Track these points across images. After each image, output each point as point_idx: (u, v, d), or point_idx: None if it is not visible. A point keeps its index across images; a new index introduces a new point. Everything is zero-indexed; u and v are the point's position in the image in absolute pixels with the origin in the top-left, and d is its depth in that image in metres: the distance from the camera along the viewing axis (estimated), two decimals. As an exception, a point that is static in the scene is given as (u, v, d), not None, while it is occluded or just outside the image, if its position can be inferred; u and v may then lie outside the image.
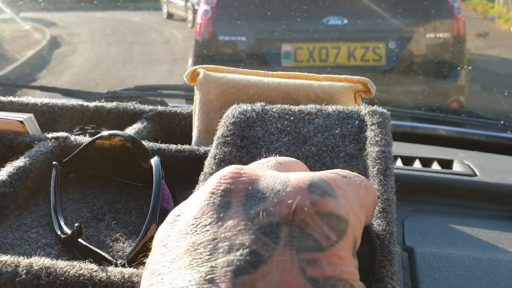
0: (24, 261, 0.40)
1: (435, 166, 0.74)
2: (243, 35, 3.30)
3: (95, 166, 0.58)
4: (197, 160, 0.57)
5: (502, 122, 0.94)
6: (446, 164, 0.74)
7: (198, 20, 3.34)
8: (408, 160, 0.74)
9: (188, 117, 0.70)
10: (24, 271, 0.39)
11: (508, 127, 0.93)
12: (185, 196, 0.51)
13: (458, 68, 3.26)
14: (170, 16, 7.16)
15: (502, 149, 0.88)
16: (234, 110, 0.55)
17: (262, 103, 0.56)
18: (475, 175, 0.69)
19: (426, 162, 0.74)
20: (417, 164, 0.73)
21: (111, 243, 0.47)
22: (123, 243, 0.47)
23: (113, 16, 7.44)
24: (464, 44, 3.37)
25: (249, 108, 0.55)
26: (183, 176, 0.57)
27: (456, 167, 0.73)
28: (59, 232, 0.48)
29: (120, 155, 0.57)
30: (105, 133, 0.55)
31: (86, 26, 6.56)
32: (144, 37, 6.16)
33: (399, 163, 0.73)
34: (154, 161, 0.48)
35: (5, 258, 0.40)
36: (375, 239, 0.37)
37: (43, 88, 1.16)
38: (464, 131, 0.95)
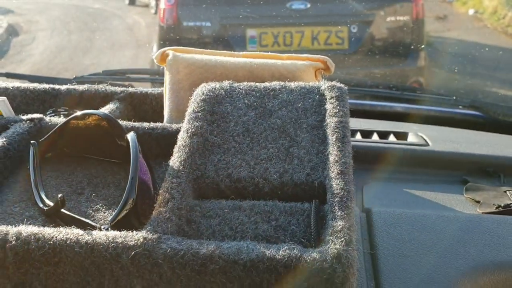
0: (12, 229, 0.42)
1: (392, 138, 0.80)
2: (208, 20, 3.29)
3: (71, 145, 0.61)
4: (170, 136, 0.61)
5: (454, 98, 1.01)
6: (402, 136, 0.80)
7: (162, 5, 3.31)
8: (366, 134, 0.79)
9: (159, 97, 0.73)
10: (14, 237, 0.41)
11: (460, 102, 1.00)
12: (160, 169, 0.55)
13: (418, 50, 3.36)
14: (132, 2, 7.03)
15: (454, 123, 0.95)
16: (203, 88, 0.59)
17: (229, 81, 0.59)
18: (428, 145, 0.75)
19: (383, 135, 0.80)
20: (375, 137, 0.79)
21: (93, 213, 0.50)
22: (104, 212, 0.50)
23: (73, 2, 7.25)
24: (423, 27, 3.47)
25: (217, 86, 0.59)
26: (157, 152, 0.60)
27: (411, 138, 0.79)
28: (41, 205, 0.51)
29: (94, 134, 0.60)
30: (80, 112, 0.58)
31: (44, 13, 6.37)
32: (106, 24, 6.03)
33: (358, 136, 0.78)
34: (130, 136, 0.51)
35: None
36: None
37: (9, 75, 1.15)
38: (419, 107, 1.01)
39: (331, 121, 0.52)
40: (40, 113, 0.68)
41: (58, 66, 4.02)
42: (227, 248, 0.40)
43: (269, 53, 0.65)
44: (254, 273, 0.39)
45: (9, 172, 0.57)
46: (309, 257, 0.39)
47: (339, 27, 3.16)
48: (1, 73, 1.18)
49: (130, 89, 0.74)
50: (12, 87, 0.74)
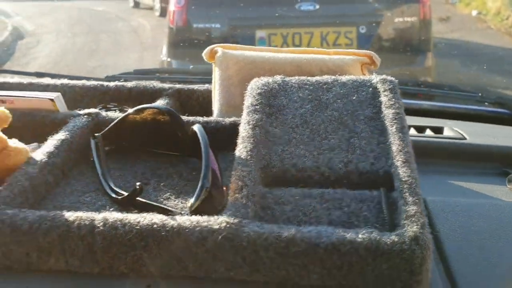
0: (98, 215, 0.44)
1: (428, 132, 0.81)
2: (217, 22, 3.31)
3: (129, 139, 0.63)
4: (223, 130, 0.63)
5: (479, 94, 1.03)
6: (438, 130, 0.82)
7: (172, 7, 3.33)
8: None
9: (205, 93, 0.75)
10: (101, 223, 0.43)
11: (485, 99, 1.02)
12: (220, 161, 0.57)
13: (425, 50, 3.38)
14: (136, 4, 7.06)
15: (482, 119, 0.97)
16: (257, 82, 0.61)
17: (281, 76, 0.61)
18: (465, 138, 0.77)
19: (420, 129, 0.82)
20: (412, 131, 0.81)
21: (163, 201, 0.52)
22: (174, 201, 0.52)
23: (77, 5, 7.28)
24: (430, 27, 3.49)
25: (270, 80, 0.61)
26: (212, 144, 0.62)
27: (447, 132, 0.81)
28: (113, 195, 0.53)
29: (152, 128, 0.62)
30: (140, 106, 0.60)
31: (49, 16, 6.40)
32: (111, 27, 6.05)
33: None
34: (198, 127, 0.53)
35: (80, 214, 0.45)
36: None
37: (38, 74, 1.17)
38: (446, 105, 1.03)
39: (388, 113, 0.54)
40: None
41: (64, 69, 4.04)
42: (308, 232, 0.42)
43: (315, 48, 0.68)
44: (335, 255, 0.41)
45: (73, 164, 0.59)
46: (388, 240, 0.41)
47: (348, 28, 3.18)
48: (30, 72, 1.19)
49: (177, 85, 0.76)
50: (61, 84, 0.76)
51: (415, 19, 3.41)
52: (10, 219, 0.44)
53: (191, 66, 1.24)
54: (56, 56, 4.69)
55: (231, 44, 0.71)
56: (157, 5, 6.13)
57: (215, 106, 0.69)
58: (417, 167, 0.67)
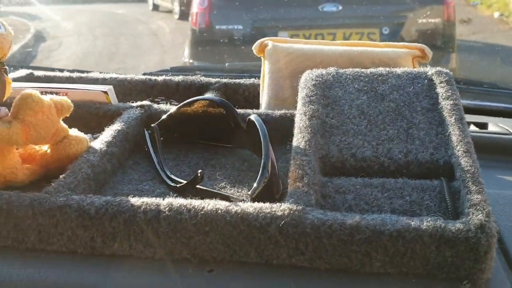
0: (163, 201, 0.45)
1: (472, 127, 0.81)
2: (240, 24, 3.32)
3: (181, 130, 0.63)
4: (274, 122, 0.63)
5: (520, 92, 1.01)
6: (482, 126, 0.81)
7: (194, 9, 3.36)
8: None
9: (251, 87, 0.76)
10: (167, 208, 0.44)
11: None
12: (274, 151, 0.57)
13: (449, 52, 3.34)
14: (155, 7, 7.13)
15: None
16: (311, 74, 0.61)
17: (334, 67, 0.62)
18: (510, 134, 0.76)
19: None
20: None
21: (221, 190, 0.52)
22: (230, 190, 0.53)
23: (97, 9, 7.36)
24: (454, 29, 3.45)
25: (324, 72, 0.61)
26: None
27: (492, 128, 0.80)
28: (171, 183, 0.53)
29: (203, 119, 0.62)
30: (195, 98, 0.60)
31: (70, 19, 6.48)
32: (131, 30, 6.11)
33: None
34: (255, 117, 0.53)
35: (145, 199, 0.45)
36: None
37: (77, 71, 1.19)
38: (484, 103, 1.02)
39: (446, 104, 0.54)
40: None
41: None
42: (372, 220, 0.42)
43: (365, 41, 0.68)
44: (400, 242, 0.41)
45: (128, 154, 0.60)
46: (453, 227, 0.40)
47: (371, 29, 3.16)
48: (68, 69, 1.21)
49: (224, 79, 0.76)
50: (110, 78, 0.77)
51: (439, 20, 3.38)
52: (77, 204, 0.45)
53: (227, 64, 1.24)
54: (76, 58, 4.75)
55: (281, 38, 0.71)
56: (176, 8, 6.18)
57: (263, 99, 0.70)
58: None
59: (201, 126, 0.63)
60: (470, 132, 0.78)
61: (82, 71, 0.79)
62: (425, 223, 0.41)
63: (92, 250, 0.46)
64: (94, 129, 0.63)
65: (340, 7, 3.24)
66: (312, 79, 0.59)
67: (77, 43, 5.25)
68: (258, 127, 0.51)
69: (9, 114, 0.51)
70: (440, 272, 0.41)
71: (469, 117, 0.87)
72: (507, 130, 0.78)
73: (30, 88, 0.51)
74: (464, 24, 5.40)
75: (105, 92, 0.66)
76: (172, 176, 0.54)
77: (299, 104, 0.57)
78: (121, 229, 0.45)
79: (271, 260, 0.43)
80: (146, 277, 0.44)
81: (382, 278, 0.42)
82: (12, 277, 0.44)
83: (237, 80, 0.76)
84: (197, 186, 0.50)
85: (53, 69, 0.83)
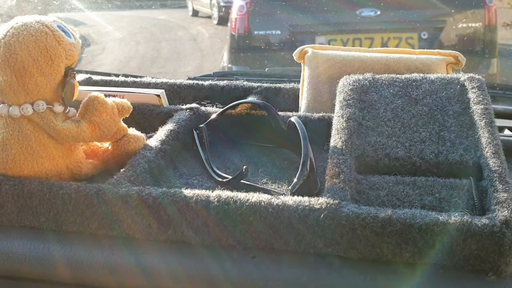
0: (212, 193, 0.50)
1: (507, 132, 0.82)
2: (278, 29, 3.37)
3: (226, 131, 0.69)
4: (312, 124, 0.67)
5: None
6: None
7: (233, 15, 3.43)
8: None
9: (291, 91, 0.80)
10: (216, 199, 0.49)
11: None
12: (312, 152, 0.61)
13: (490, 57, 3.27)
14: (195, 13, 7.29)
15: None
16: (348, 79, 0.65)
17: (371, 73, 0.65)
18: None
19: (499, 129, 0.83)
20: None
21: (263, 185, 0.57)
22: (271, 185, 0.58)
23: (139, 14, 7.58)
24: (496, 33, 3.38)
25: (360, 77, 0.65)
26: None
27: (526, 132, 0.81)
28: (217, 178, 0.58)
29: (246, 121, 0.68)
30: (241, 101, 0.65)
31: (113, 25, 6.69)
32: (171, 35, 6.25)
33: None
34: (295, 119, 0.58)
35: (196, 191, 0.51)
36: None
37: (125, 75, 1.26)
38: None
39: (477, 108, 0.57)
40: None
41: (127, 75, 4.19)
42: (403, 214, 0.45)
43: (400, 48, 0.71)
44: (428, 235, 0.44)
45: (178, 152, 0.66)
46: (480, 222, 0.44)
47: (409, 33, 3.14)
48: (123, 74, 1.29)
49: (265, 84, 0.81)
50: (161, 82, 0.83)
51: (479, 24, 3.32)
52: (137, 194, 0.51)
53: (267, 69, 1.29)
54: (119, 63, 4.90)
55: (319, 45, 0.76)
56: (215, 14, 6.30)
57: (303, 102, 0.74)
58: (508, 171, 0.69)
59: (245, 127, 0.68)
60: (506, 136, 0.80)
61: (135, 76, 0.86)
62: (452, 218, 0.44)
63: (148, 236, 0.51)
64: (148, 129, 0.69)
65: (378, 12, 3.23)
66: (350, 84, 0.63)
67: (120, 48, 5.43)
68: (298, 128, 0.56)
69: (77, 114, 0.57)
70: (466, 264, 0.45)
71: (505, 122, 0.89)
72: (542, 135, 0.79)
73: (96, 91, 0.58)
74: (508, 28, 5.26)
75: (158, 95, 0.72)
76: (219, 172, 0.59)
77: (337, 107, 0.61)
78: (174, 217, 0.50)
79: (309, 249, 0.48)
80: (196, 261, 0.49)
81: (412, 269, 0.45)
82: (77, 258, 0.50)
83: (278, 85, 0.81)
84: (242, 180, 0.55)
85: (109, 74, 0.90)
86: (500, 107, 1.05)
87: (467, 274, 0.45)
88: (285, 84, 0.81)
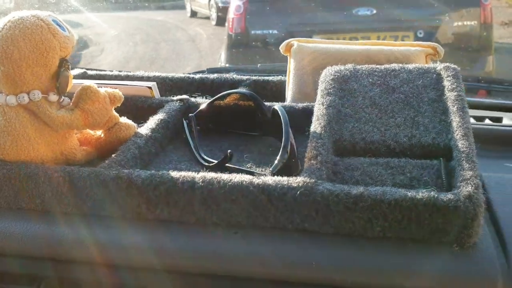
0: (197, 174, 0.53)
1: (487, 121, 0.86)
2: (274, 28, 3.39)
3: (215, 121, 0.72)
4: (296, 113, 0.71)
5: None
6: (496, 120, 0.86)
7: (231, 15, 3.47)
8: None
9: (278, 83, 0.83)
10: (200, 180, 0.52)
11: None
12: (296, 139, 0.65)
13: (486, 55, 3.30)
14: (193, 14, 7.32)
15: None
16: (330, 70, 0.68)
17: (352, 64, 0.69)
18: None
19: (479, 119, 0.86)
20: (472, 121, 0.85)
21: (247, 169, 0.60)
22: (255, 169, 0.61)
23: (137, 15, 7.61)
24: (491, 31, 3.41)
25: (342, 68, 0.68)
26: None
27: (506, 121, 0.84)
28: (204, 163, 0.62)
29: (234, 111, 0.71)
30: (227, 92, 0.69)
31: (112, 26, 6.71)
32: (170, 36, 6.27)
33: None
34: (278, 107, 0.61)
35: (183, 173, 0.54)
36: None
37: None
38: (505, 102, 1.06)
39: (450, 95, 0.60)
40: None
41: (126, 76, 4.21)
42: (374, 190, 0.48)
43: (382, 40, 0.74)
44: (397, 210, 0.47)
45: (169, 140, 0.69)
46: (445, 198, 0.47)
47: (405, 32, 3.17)
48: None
49: (254, 77, 0.84)
50: (153, 76, 0.86)
51: (475, 23, 3.35)
52: (127, 176, 0.54)
53: (259, 65, 1.33)
54: (118, 63, 4.92)
55: (305, 38, 0.79)
56: (214, 15, 6.33)
57: (288, 93, 0.77)
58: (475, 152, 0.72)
59: (232, 117, 0.71)
60: (485, 125, 0.84)
61: (129, 71, 0.89)
62: (420, 194, 0.47)
63: (138, 215, 0.54)
64: (139, 119, 0.72)
65: (374, 11, 3.26)
66: (331, 74, 0.67)
67: (118, 49, 5.46)
68: (280, 115, 0.59)
69: (71, 103, 0.60)
70: (432, 237, 0.48)
71: (486, 113, 0.92)
72: (520, 123, 0.83)
73: (89, 82, 0.61)
74: (506, 27, 5.29)
75: (150, 88, 0.75)
76: (206, 157, 0.63)
77: (318, 96, 0.64)
78: (162, 197, 0.53)
79: (287, 225, 0.51)
80: (182, 239, 0.52)
81: (382, 242, 0.49)
82: (69, 237, 0.53)
83: (266, 77, 0.84)
84: (227, 164, 0.59)
85: (104, 70, 0.93)
86: (482, 99, 1.08)
87: (434, 246, 0.48)
88: (273, 76, 0.84)
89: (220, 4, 6.20)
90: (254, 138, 0.70)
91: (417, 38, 3.17)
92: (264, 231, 0.51)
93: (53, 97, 0.58)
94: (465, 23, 3.38)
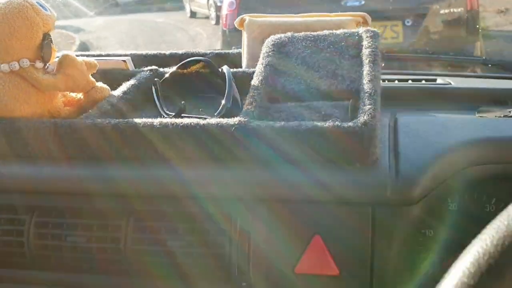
0: (156, 120, 0.66)
1: (423, 82, 0.98)
2: (266, 22, 3.47)
3: (179, 86, 0.85)
4: (248, 77, 0.83)
5: (483, 58, 1.16)
6: (431, 80, 0.98)
7: (224, 11, 3.60)
8: (403, 80, 0.98)
9: (237, 55, 0.96)
10: (158, 123, 0.65)
11: (488, 61, 1.15)
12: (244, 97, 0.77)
13: (473, 41, 3.39)
14: (193, 14, 7.45)
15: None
16: (272, 37, 0.81)
17: (291, 32, 0.81)
18: (451, 84, 0.93)
19: (417, 80, 0.98)
20: (409, 82, 0.97)
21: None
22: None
23: (137, 18, 7.75)
24: (478, 18, 3.49)
25: (282, 35, 0.81)
26: (239, 88, 0.83)
27: (439, 81, 0.96)
28: (165, 115, 0.75)
29: (195, 77, 0.84)
30: (188, 59, 0.82)
31: (112, 29, 6.84)
32: (170, 37, 6.38)
33: (396, 82, 0.98)
34: (225, 67, 0.74)
35: (144, 119, 0.66)
36: None
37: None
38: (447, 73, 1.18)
39: (365, 51, 0.73)
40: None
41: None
42: (292, 124, 0.61)
43: (320, 13, 0.87)
44: (310, 136, 0.60)
45: (139, 103, 0.82)
46: (347, 125, 0.59)
47: (394, 21, 3.27)
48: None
49: (216, 50, 0.97)
50: (130, 53, 1.00)
51: (461, 10, 3.44)
52: (100, 123, 0.67)
53: (233, 47, 1.45)
54: (121, 66, 4.97)
55: (257, 14, 0.92)
56: (213, 14, 6.46)
57: (243, 63, 0.90)
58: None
59: (193, 82, 0.84)
60: (420, 84, 0.96)
61: (109, 52, 1.02)
62: (327, 123, 0.60)
63: (110, 155, 0.67)
64: (115, 88, 0.85)
65: (363, 1, 3.37)
66: (272, 41, 0.79)
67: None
68: (225, 71, 0.72)
69: (54, 69, 0.74)
70: (338, 158, 0.60)
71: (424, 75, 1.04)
72: (449, 82, 0.94)
73: (69, 52, 0.74)
74: (501, 14, 5.37)
75: (124, 61, 0.89)
76: (167, 112, 0.76)
77: (260, 58, 0.77)
78: (129, 139, 0.66)
79: (229, 156, 0.63)
80: (146, 172, 0.65)
81: (301, 164, 0.61)
82: (55, 173, 0.66)
83: (226, 51, 0.97)
84: (183, 115, 0.71)
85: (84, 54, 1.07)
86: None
87: (340, 165, 0.60)
88: (232, 50, 0.97)
89: (218, 3, 6.30)
90: (211, 99, 0.83)
91: (405, 27, 3.27)
92: (208, 162, 0.64)
93: (39, 64, 0.72)
94: (451, 10, 3.47)
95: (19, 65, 0.70)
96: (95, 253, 0.66)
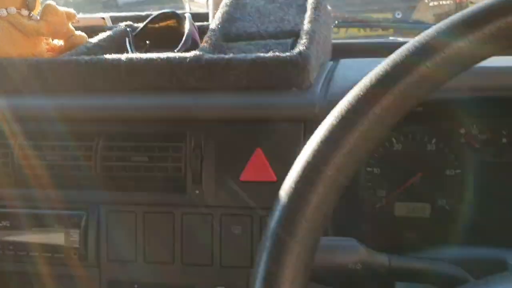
0: (123, 55, 0.76)
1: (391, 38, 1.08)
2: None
3: (151, 39, 0.95)
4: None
5: (434, 24, 1.25)
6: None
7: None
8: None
9: (206, 14, 1.07)
10: (125, 58, 0.75)
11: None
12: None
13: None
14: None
15: None
16: (233, -7, 0.91)
17: (250, -13, 0.92)
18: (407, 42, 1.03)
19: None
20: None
21: None
22: None
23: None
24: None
25: None
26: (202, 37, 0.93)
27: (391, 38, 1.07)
28: (136, 58, 0.85)
29: (166, 30, 0.94)
30: (157, 12, 0.92)
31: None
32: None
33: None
34: (187, 14, 0.84)
35: (116, 55, 0.77)
36: None
37: None
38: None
39: (310, 0, 0.83)
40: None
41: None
42: (239, 55, 0.71)
43: None
44: (254, 67, 0.70)
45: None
46: (285, 55, 0.69)
47: (384, 14, 3.37)
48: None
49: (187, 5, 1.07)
50: (110, 16, 1.10)
51: (450, 2, 3.53)
52: (75, 59, 0.77)
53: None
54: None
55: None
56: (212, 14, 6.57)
57: (210, 17, 1.01)
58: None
59: (165, 35, 0.94)
60: (383, 41, 1.06)
61: None
62: (269, 54, 0.70)
63: (85, 86, 0.77)
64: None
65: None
66: (232, -6, 0.90)
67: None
68: (186, 17, 0.82)
69: (38, 17, 0.84)
70: (279, 83, 0.70)
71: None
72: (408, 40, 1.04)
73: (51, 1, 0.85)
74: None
75: (103, 18, 0.99)
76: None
77: (219, 8, 0.87)
78: (99, 72, 0.76)
79: (186, 85, 0.73)
80: (115, 100, 0.75)
81: (248, 91, 0.71)
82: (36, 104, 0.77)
83: (197, 12, 1.08)
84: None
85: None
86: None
87: (281, 90, 0.70)
88: (203, 10, 1.08)
89: (218, 2, 6.39)
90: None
91: (395, 19, 3.36)
92: (169, 91, 0.74)
93: (25, 12, 0.82)
94: (441, 2, 3.56)
95: (7, 11, 0.81)
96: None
